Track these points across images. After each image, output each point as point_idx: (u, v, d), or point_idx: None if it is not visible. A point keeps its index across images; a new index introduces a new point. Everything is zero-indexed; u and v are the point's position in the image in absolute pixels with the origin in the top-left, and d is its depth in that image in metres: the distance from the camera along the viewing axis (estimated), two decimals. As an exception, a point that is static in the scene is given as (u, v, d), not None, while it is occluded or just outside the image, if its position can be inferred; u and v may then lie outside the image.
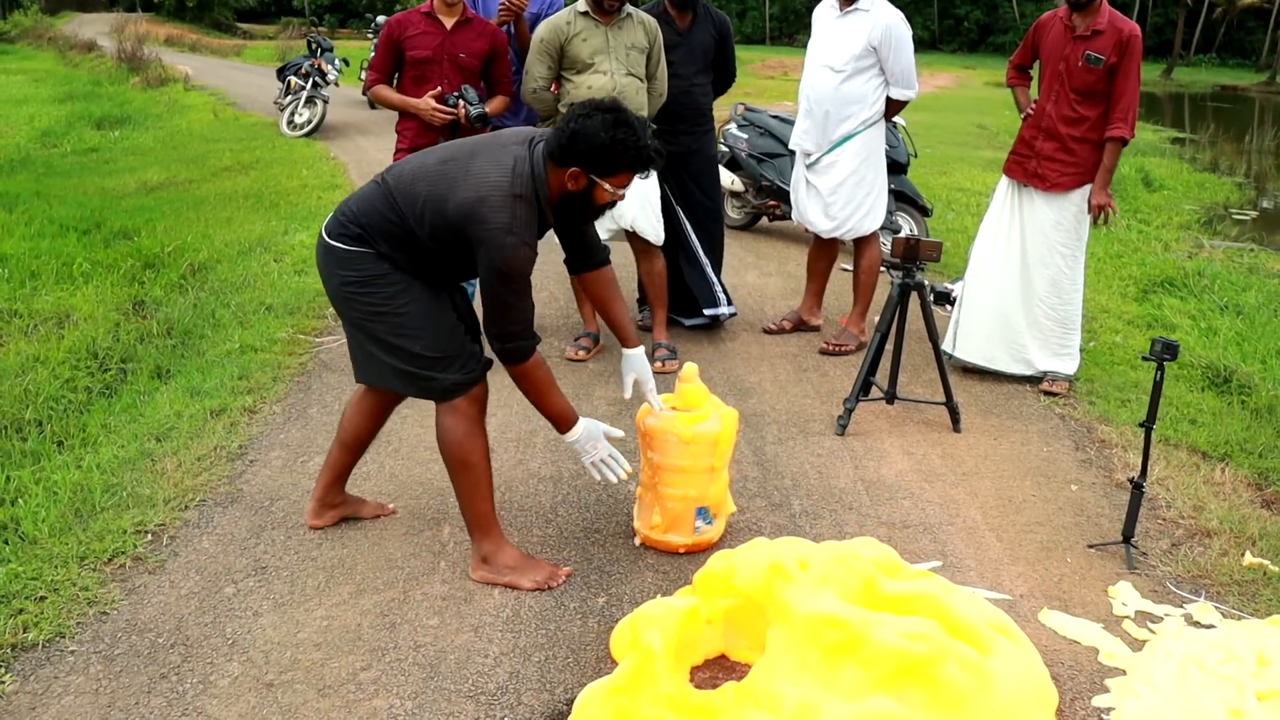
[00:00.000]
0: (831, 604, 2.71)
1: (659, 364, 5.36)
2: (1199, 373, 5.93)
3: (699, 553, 3.60)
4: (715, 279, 5.90)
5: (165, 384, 5.18)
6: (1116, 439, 4.79)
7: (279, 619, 3.23)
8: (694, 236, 5.79)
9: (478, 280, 3.25)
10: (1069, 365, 5.42)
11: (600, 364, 5.48)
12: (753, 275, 7.38)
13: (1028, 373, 5.43)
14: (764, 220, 8.91)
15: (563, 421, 3.35)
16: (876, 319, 6.05)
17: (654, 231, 5.36)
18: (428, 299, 3.26)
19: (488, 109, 5.00)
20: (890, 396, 4.84)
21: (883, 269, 6.69)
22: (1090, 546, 3.82)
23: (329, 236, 3.26)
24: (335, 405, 4.87)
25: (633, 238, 5.40)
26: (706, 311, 5.93)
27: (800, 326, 6.17)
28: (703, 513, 3.54)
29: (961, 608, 2.80)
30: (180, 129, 14.92)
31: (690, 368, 3.55)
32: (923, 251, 4.51)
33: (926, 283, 6.94)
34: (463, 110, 4.94)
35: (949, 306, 6.79)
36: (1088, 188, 5.14)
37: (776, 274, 7.50)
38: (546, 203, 3.13)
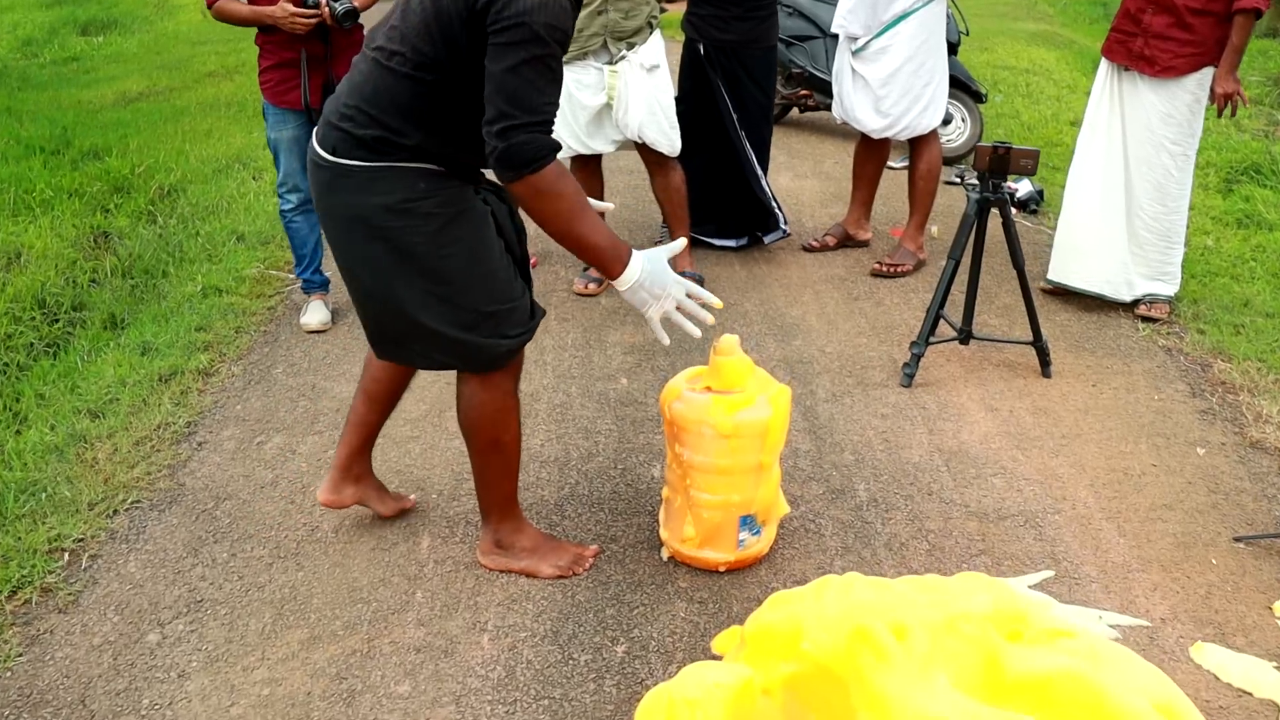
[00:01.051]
0: (950, 704, 1.93)
1: (684, 298, 4.52)
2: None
3: (745, 568, 2.82)
4: (771, 194, 5.01)
5: (117, 337, 4.39)
6: (1240, 379, 3.96)
7: (209, 683, 2.49)
8: (748, 145, 4.89)
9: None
10: (1170, 286, 4.57)
11: (614, 300, 4.65)
12: (785, 178, 6.47)
13: (1125, 298, 4.57)
14: (794, 112, 7.95)
15: (611, 260, 2.38)
16: (933, 229, 5.21)
17: (667, 141, 4.47)
18: (475, 227, 2.48)
19: (356, 2, 4.02)
20: (965, 335, 4.01)
21: (948, 178, 5.83)
22: (1237, 540, 3.03)
23: (336, 155, 2.41)
24: (304, 364, 4.08)
25: (643, 149, 4.51)
26: (767, 239, 5.07)
27: (846, 242, 5.30)
28: (748, 521, 2.75)
29: (1119, 693, 2.01)
30: (167, 32, 13.87)
31: (729, 340, 2.71)
32: (1015, 161, 3.63)
33: (1011, 194, 6.10)
34: (326, 9, 3.95)
35: (1012, 211, 5.91)
36: (1206, 72, 4.22)
37: (812, 175, 6.59)
38: None
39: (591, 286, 4.66)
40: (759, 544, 2.82)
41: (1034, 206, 6.00)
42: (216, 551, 2.97)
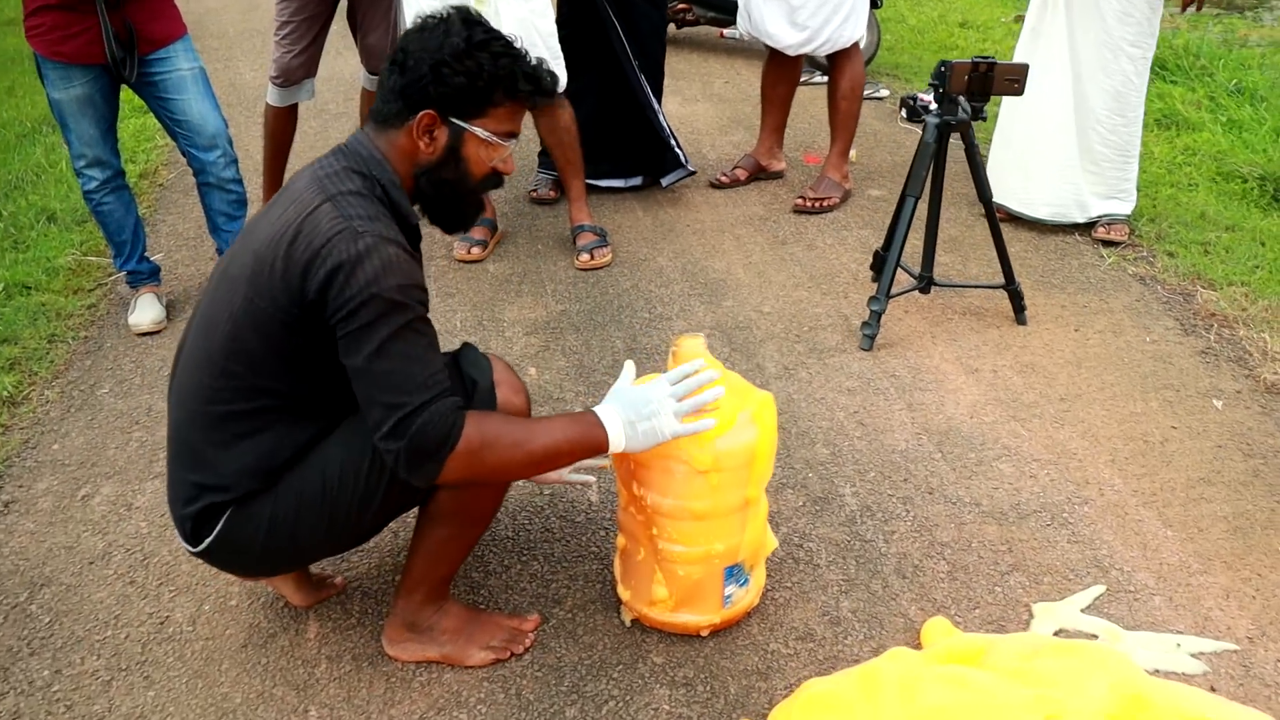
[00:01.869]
0: None
1: (587, 256, 3.83)
2: (1254, 185, 4.64)
3: (731, 625, 2.19)
4: (667, 128, 4.31)
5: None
6: (1230, 310, 3.48)
7: None
8: (641, 73, 4.17)
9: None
10: (1127, 204, 4.07)
11: (504, 264, 3.92)
12: (673, 103, 5.76)
13: (1078, 219, 4.05)
14: (670, 29, 7.21)
15: (589, 443, 1.89)
16: (852, 153, 4.59)
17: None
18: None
19: None
20: (926, 283, 3.42)
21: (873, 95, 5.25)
22: (1298, 516, 2.52)
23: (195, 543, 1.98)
24: (135, 378, 3.27)
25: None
26: (665, 181, 4.37)
27: (758, 174, 4.65)
28: (734, 572, 2.12)
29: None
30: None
31: (692, 341, 2.04)
32: (1000, 80, 3.01)
33: (925, 106, 5.48)
34: None
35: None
36: (1165, -43, 3.67)
37: (703, 99, 5.90)
38: (398, 192, 1.89)
39: (475, 251, 3.91)
40: (748, 595, 2.18)
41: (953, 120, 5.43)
42: (34, 668, 2.20)
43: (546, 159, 4.45)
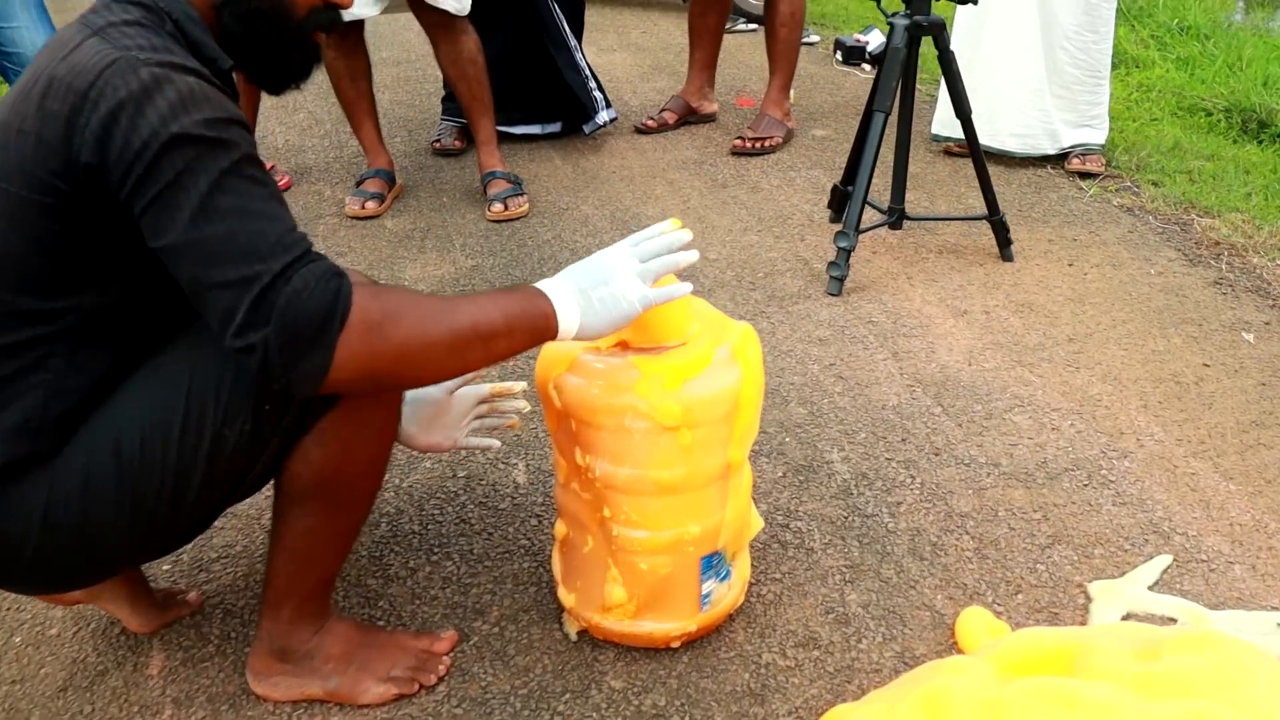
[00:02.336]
0: None
1: (500, 206, 3.29)
2: (1219, 118, 4.29)
3: (710, 633, 1.67)
4: (587, 69, 3.78)
5: None
6: (1235, 237, 3.06)
7: None
8: (555, 5, 3.63)
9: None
10: (1100, 132, 3.64)
11: (405, 219, 3.35)
12: (589, 53, 5.16)
13: (1048, 150, 3.60)
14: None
15: (532, 319, 1.36)
16: (791, 93, 4.09)
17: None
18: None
19: None
20: (897, 216, 2.93)
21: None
22: (1377, 460, 2.08)
23: None
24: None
25: (421, 10, 3.20)
26: (587, 127, 3.83)
27: (688, 117, 4.14)
28: (714, 563, 1.59)
29: None
30: None
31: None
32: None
33: (862, 48, 5.03)
34: None
35: (866, 66, 4.89)
36: None
37: (620, 49, 5.37)
38: (198, 28, 1.33)
39: (370, 205, 3.33)
40: (730, 592, 1.66)
41: (890, 61, 4.98)
42: None
43: (451, 105, 3.89)
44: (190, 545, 1.89)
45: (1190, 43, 5.72)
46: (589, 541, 1.58)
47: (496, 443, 1.81)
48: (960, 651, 1.62)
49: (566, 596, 1.65)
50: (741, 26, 5.69)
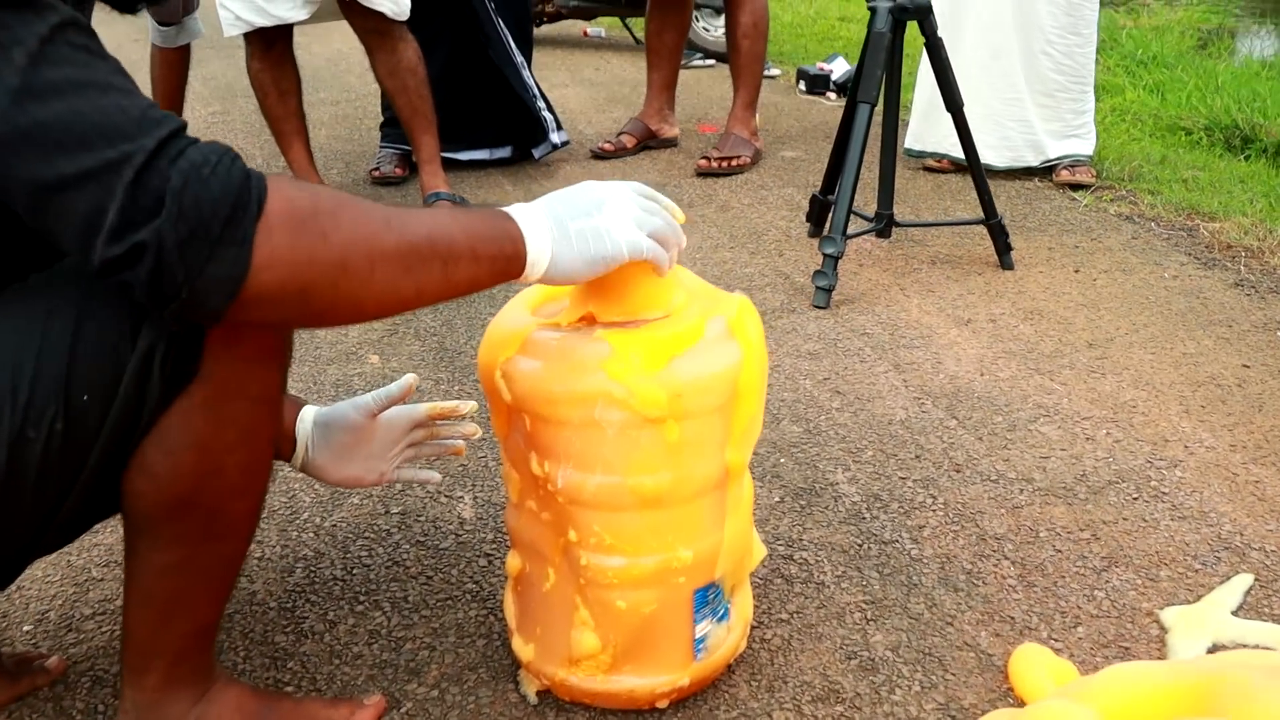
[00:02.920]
0: None
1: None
2: (1200, 136, 4.12)
3: (703, 689, 1.33)
4: (535, 88, 3.50)
5: None
6: (1250, 239, 2.83)
7: None
8: (501, 22, 3.36)
9: None
10: (1088, 143, 3.41)
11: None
12: (544, 87, 4.94)
13: (1033, 163, 3.36)
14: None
15: (503, 245, 1.04)
16: (755, 118, 3.84)
17: (389, -2, 2.89)
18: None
19: None
20: (886, 223, 2.65)
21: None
22: None
23: None
24: None
25: (355, 16, 2.91)
26: (537, 152, 3.53)
27: (648, 141, 3.87)
28: (709, 598, 1.25)
29: None
30: None
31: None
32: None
33: (825, 76, 4.79)
34: None
35: (831, 95, 4.66)
36: None
37: (574, 84, 5.12)
38: None
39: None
40: (730, 636, 1.31)
41: (856, 88, 4.77)
42: None
43: (390, 131, 3.59)
44: (59, 600, 1.53)
45: (1158, 70, 5.61)
46: (550, 576, 1.24)
47: (436, 475, 1.48)
48: (1018, 699, 1.29)
49: (523, 648, 1.30)
50: (698, 62, 5.50)
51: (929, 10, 2.49)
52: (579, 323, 1.20)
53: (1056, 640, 1.41)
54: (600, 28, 6.66)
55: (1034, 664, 1.32)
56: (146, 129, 0.86)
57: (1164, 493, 1.73)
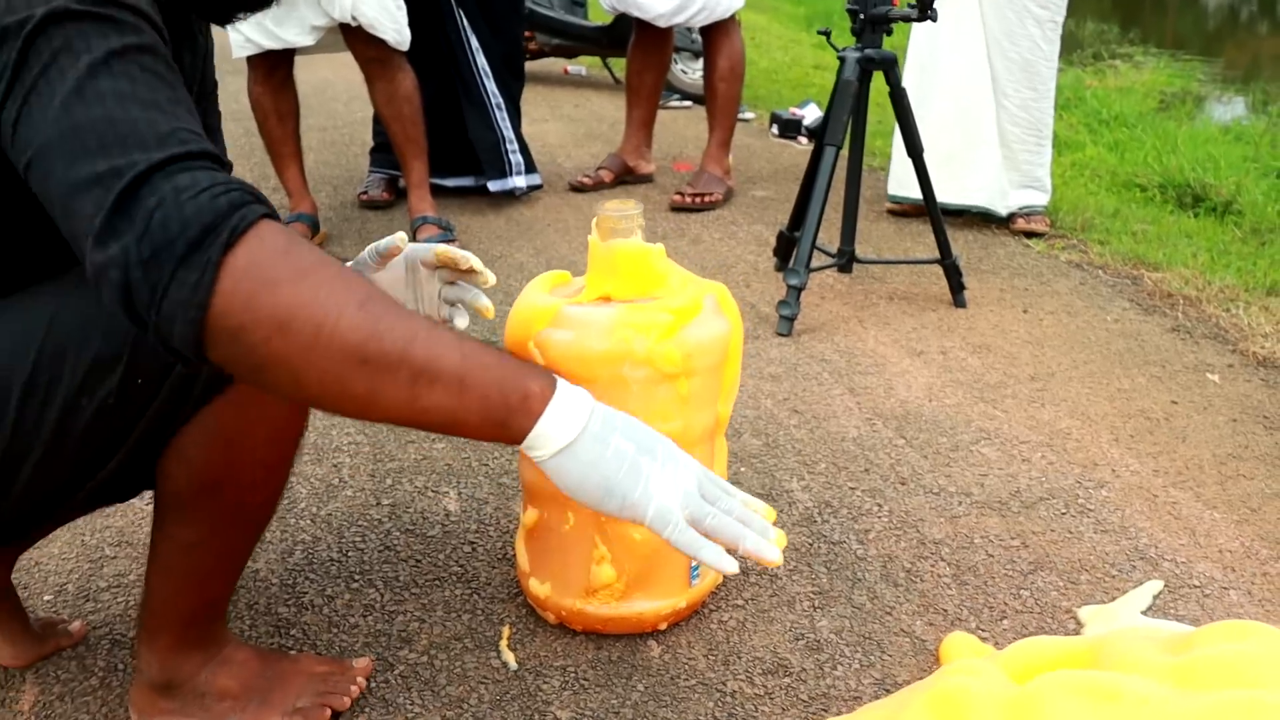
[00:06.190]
0: None
1: (431, 253, 3.11)
2: (1154, 193, 4.33)
3: (678, 623, 1.48)
4: (509, 129, 3.65)
5: None
6: (1186, 289, 3.00)
7: None
8: (480, 56, 3.52)
9: None
10: (1044, 194, 3.61)
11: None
12: (522, 123, 5.12)
13: (994, 208, 3.55)
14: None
15: (509, 397, 0.97)
16: (728, 158, 4.03)
17: (393, 24, 3.06)
18: None
19: None
20: (847, 259, 2.83)
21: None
22: (1360, 491, 1.97)
23: None
24: None
25: (357, 43, 3.07)
26: (493, 186, 3.67)
27: (625, 177, 4.04)
28: None
29: None
30: None
31: (621, 207, 1.40)
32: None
33: (798, 122, 5.00)
34: None
35: (803, 139, 4.86)
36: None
37: (553, 119, 5.30)
38: None
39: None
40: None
41: (827, 133, 4.98)
42: None
43: (380, 157, 3.74)
44: (75, 574, 1.66)
45: (1119, 129, 5.86)
46: (569, 519, 1.42)
47: (464, 318, 1.44)
48: (947, 678, 1.45)
49: (539, 587, 1.49)
50: (675, 103, 5.68)
51: (894, 62, 2.68)
52: (599, 300, 1.39)
53: (984, 630, 1.57)
54: (581, 66, 6.85)
55: (961, 649, 1.48)
56: (163, 145, 0.89)
57: (1090, 509, 1.90)
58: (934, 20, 2.59)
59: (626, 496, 0.99)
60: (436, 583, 1.64)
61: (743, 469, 2.01)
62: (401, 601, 1.60)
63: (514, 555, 1.64)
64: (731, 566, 1.02)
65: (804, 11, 12.07)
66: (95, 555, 1.72)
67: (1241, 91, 8.59)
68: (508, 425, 0.97)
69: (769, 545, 1.02)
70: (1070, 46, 9.53)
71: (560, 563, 1.46)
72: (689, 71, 5.82)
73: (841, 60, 2.66)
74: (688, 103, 5.72)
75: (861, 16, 2.62)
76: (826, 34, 2.75)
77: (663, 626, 1.50)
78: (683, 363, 1.35)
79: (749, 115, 5.43)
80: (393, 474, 1.96)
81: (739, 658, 1.49)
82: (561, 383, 1.00)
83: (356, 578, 1.65)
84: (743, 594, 1.63)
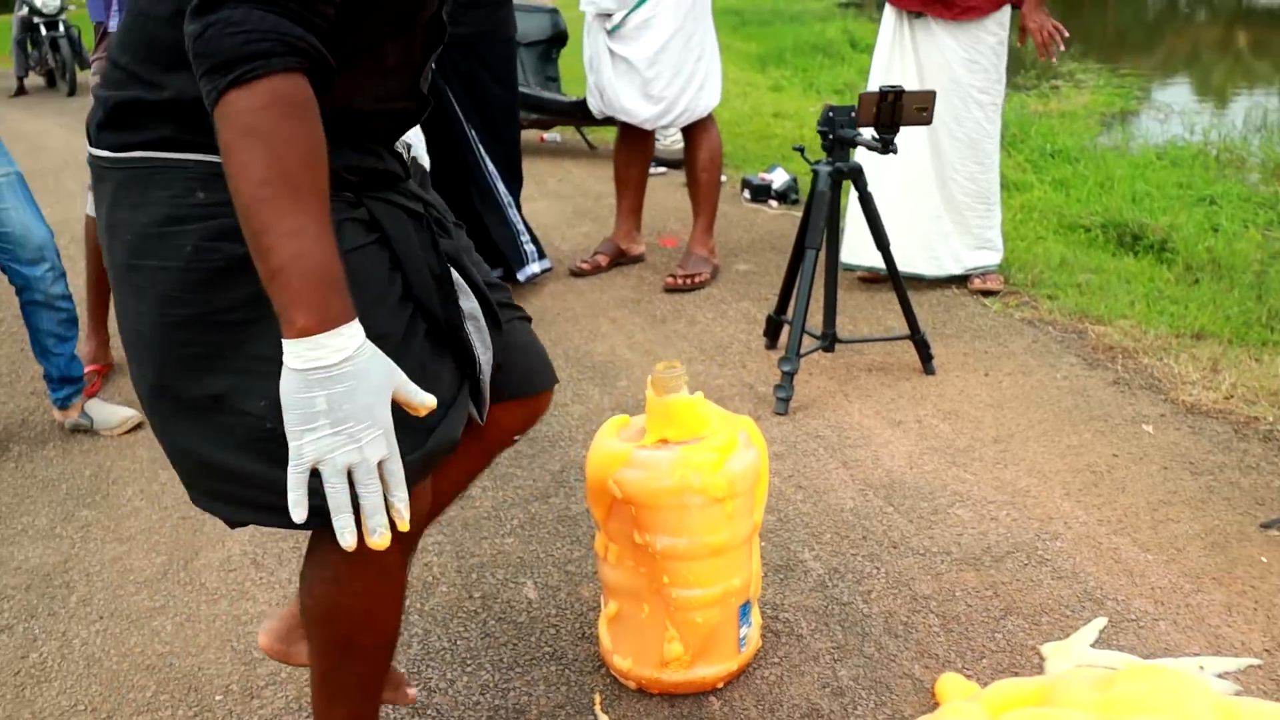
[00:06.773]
0: None
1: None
2: (1097, 234, 4.79)
3: (713, 688, 1.91)
4: (519, 223, 4.10)
5: None
6: (1125, 341, 3.46)
7: None
8: (489, 163, 3.96)
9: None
10: (996, 253, 4.07)
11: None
12: (515, 204, 5.56)
13: (954, 272, 4.01)
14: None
15: (314, 287, 1.10)
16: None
17: (417, 145, 3.48)
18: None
19: None
20: (830, 340, 3.27)
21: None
22: (1266, 527, 2.43)
23: (90, 143, 1.34)
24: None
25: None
26: (520, 276, 4.11)
27: (619, 260, 4.48)
28: (745, 610, 1.94)
29: None
30: None
31: (671, 370, 1.83)
32: (909, 109, 2.91)
33: (767, 185, 5.46)
34: None
35: (773, 203, 5.32)
36: (1005, 10, 3.76)
37: (541, 197, 5.73)
38: None
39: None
40: (754, 635, 2.01)
41: (794, 196, 5.45)
42: None
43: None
44: (235, 676, 2.06)
45: (1063, 165, 6.34)
46: (644, 609, 1.87)
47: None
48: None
49: (622, 662, 1.93)
50: (651, 171, 6.10)
51: (860, 172, 3.13)
52: (659, 443, 1.82)
53: (968, 670, 2.00)
54: (557, 134, 7.29)
55: (952, 686, 1.91)
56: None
57: (1047, 559, 2.34)
58: (894, 154, 3.02)
59: (291, 428, 1.13)
60: (534, 662, 2.06)
61: (764, 544, 2.44)
62: (510, 680, 2.01)
63: (595, 635, 2.06)
64: (347, 541, 1.14)
65: (755, 49, 12.57)
66: (247, 659, 2.12)
67: (1175, 100, 9.19)
68: (326, 315, 1.11)
69: (348, 531, 1.14)
70: (1015, 68, 10.07)
71: (638, 642, 1.89)
72: (662, 138, 6.25)
73: (815, 174, 3.10)
74: (663, 169, 6.16)
75: (830, 136, 3.06)
76: (801, 150, 3.19)
77: (720, 685, 1.93)
78: (728, 488, 1.78)
79: (721, 178, 5.87)
80: (475, 569, 2.37)
81: (781, 705, 1.92)
82: (347, 329, 1.12)
83: (469, 663, 2.07)
84: (777, 653, 2.06)
